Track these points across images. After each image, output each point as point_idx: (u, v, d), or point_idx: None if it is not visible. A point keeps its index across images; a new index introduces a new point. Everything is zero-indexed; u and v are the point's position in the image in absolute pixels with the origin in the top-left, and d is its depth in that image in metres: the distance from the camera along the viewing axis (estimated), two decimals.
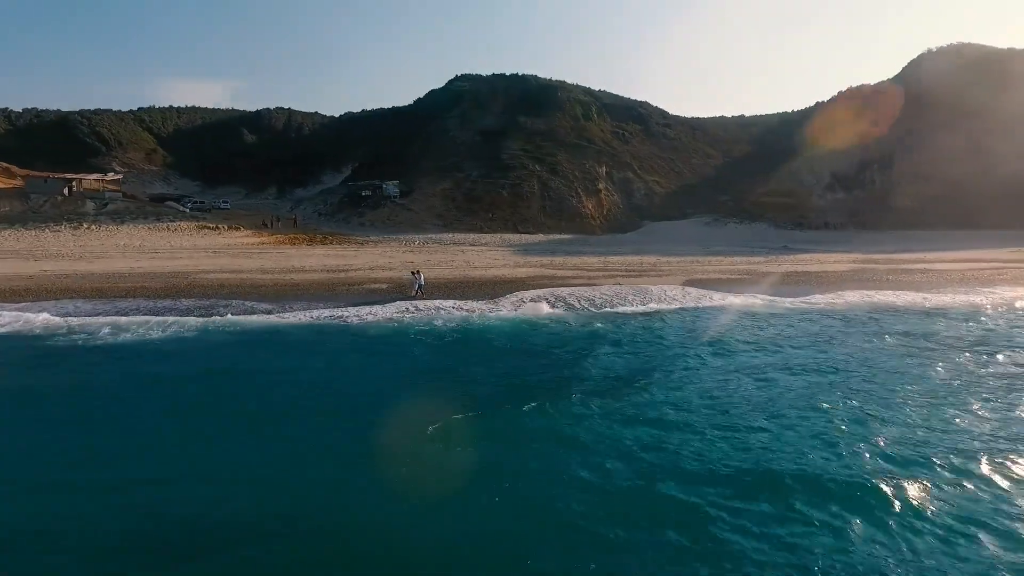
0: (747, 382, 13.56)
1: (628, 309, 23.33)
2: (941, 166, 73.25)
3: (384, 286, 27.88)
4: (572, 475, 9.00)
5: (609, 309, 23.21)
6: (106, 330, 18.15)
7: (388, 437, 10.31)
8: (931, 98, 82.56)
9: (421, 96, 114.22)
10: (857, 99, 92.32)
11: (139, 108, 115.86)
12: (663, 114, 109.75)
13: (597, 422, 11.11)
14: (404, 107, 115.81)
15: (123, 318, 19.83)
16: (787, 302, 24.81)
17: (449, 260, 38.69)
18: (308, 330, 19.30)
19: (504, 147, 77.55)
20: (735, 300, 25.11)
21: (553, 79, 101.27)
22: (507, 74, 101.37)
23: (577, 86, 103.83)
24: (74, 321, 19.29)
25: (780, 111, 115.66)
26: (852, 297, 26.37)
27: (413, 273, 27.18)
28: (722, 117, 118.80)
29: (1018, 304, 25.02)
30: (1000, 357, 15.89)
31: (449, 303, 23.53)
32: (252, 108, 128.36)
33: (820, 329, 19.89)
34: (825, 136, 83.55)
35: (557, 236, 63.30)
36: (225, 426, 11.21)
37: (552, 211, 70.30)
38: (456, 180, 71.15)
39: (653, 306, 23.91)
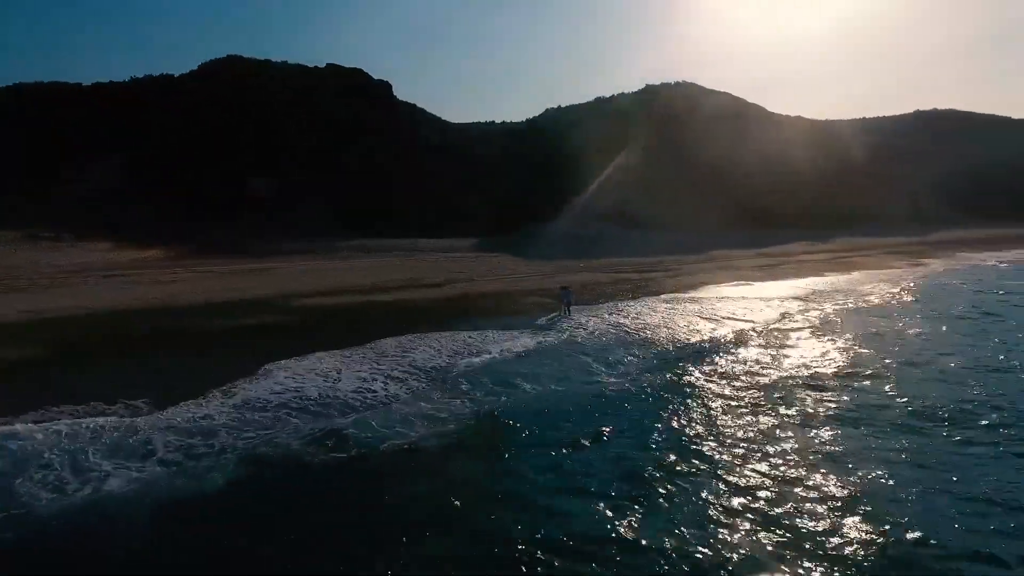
0: None
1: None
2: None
3: (550, 300, 25.36)
4: None
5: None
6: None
7: None
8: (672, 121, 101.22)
9: (195, 70, 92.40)
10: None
11: None
12: (438, 119, 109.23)
13: None
14: (176, 83, 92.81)
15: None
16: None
17: (488, 271, 35.25)
18: None
19: (371, 146, 70.80)
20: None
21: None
22: (342, 65, 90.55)
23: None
24: None
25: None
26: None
27: (562, 288, 25.05)
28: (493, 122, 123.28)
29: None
30: None
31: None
32: None
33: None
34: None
35: (464, 240, 61.12)
36: None
37: (444, 214, 67.30)
38: (338, 181, 62.47)
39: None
